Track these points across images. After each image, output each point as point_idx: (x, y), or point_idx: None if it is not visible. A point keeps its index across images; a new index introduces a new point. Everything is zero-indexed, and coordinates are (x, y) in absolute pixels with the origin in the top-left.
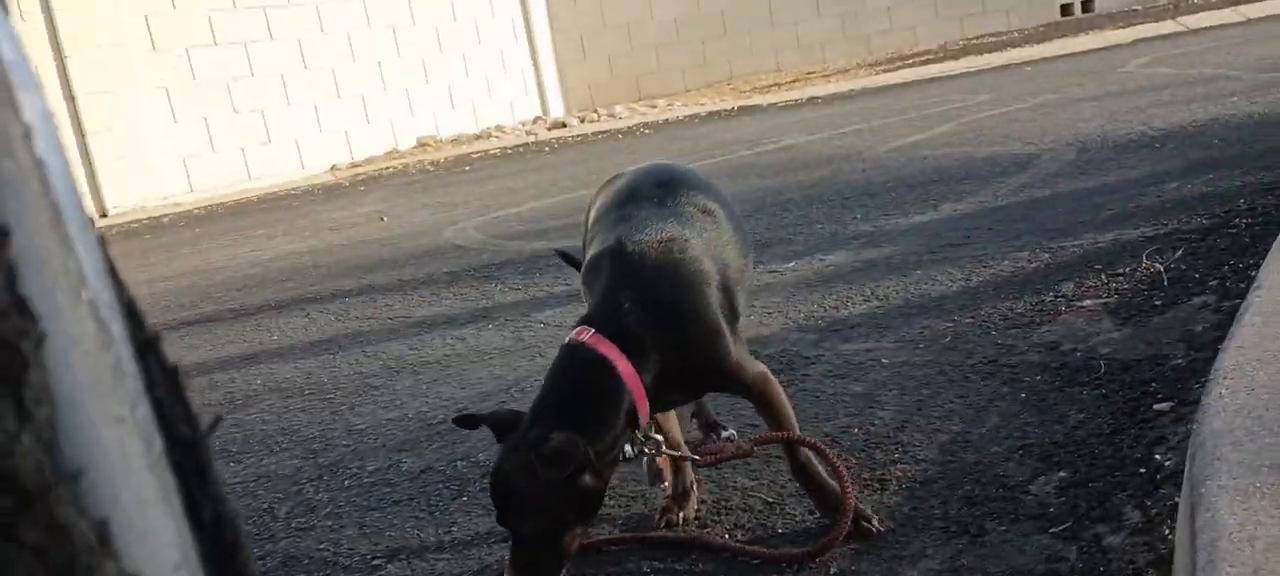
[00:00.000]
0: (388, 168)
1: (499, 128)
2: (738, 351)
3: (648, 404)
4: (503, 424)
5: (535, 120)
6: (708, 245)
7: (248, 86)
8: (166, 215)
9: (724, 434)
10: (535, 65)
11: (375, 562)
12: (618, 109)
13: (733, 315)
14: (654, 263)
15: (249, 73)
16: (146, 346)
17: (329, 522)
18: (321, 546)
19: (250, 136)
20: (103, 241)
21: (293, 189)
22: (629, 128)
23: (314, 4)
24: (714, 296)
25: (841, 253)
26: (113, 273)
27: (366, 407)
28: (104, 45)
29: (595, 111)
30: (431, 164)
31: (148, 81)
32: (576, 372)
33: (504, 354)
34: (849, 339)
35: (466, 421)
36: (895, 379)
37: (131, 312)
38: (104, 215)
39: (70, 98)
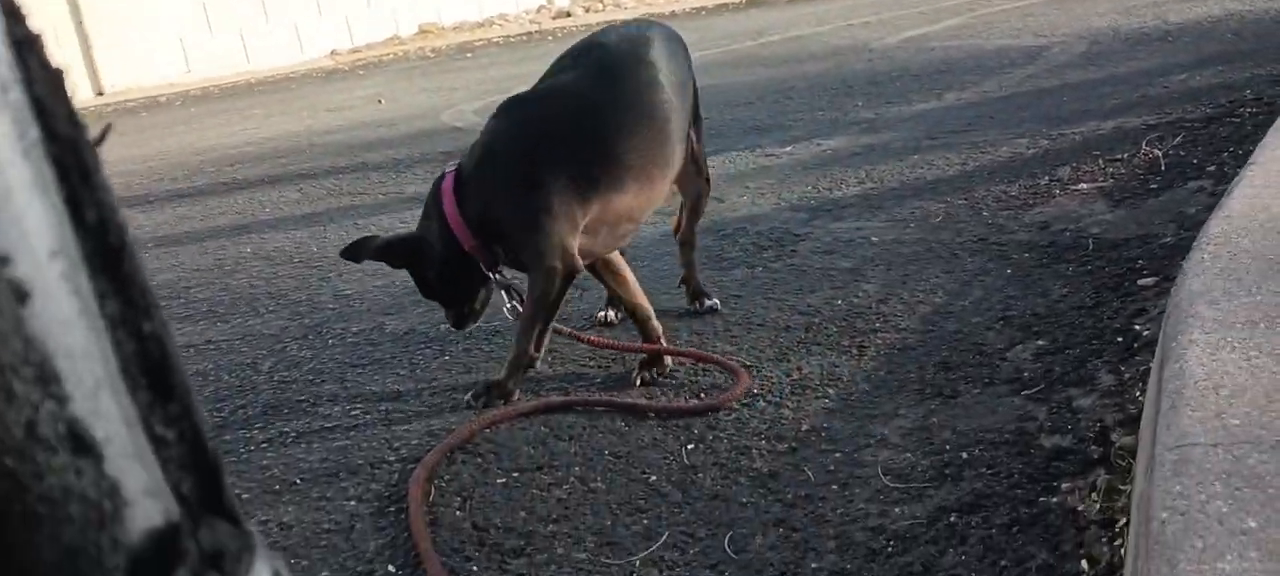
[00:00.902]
0: (388, 54)
1: (502, 16)
2: (549, 228)
3: (474, 239)
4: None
5: (539, 9)
6: (562, 115)
7: None
8: (163, 95)
9: (707, 303)
10: None
11: (353, 412)
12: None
13: (577, 191)
14: (501, 121)
15: None
16: (26, 43)
17: (310, 376)
18: (302, 398)
19: (249, 18)
20: None
21: (291, 73)
22: (633, 18)
23: None
24: (546, 165)
25: (840, 138)
26: None
27: (354, 275)
28: None
29: (601, 1)
30: (432, 50)
31: None
32: (430, 193)
33: None
34: (840, 218)
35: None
36: (882, 255)
37: (12, 10)
38: (100, 93)
39: None
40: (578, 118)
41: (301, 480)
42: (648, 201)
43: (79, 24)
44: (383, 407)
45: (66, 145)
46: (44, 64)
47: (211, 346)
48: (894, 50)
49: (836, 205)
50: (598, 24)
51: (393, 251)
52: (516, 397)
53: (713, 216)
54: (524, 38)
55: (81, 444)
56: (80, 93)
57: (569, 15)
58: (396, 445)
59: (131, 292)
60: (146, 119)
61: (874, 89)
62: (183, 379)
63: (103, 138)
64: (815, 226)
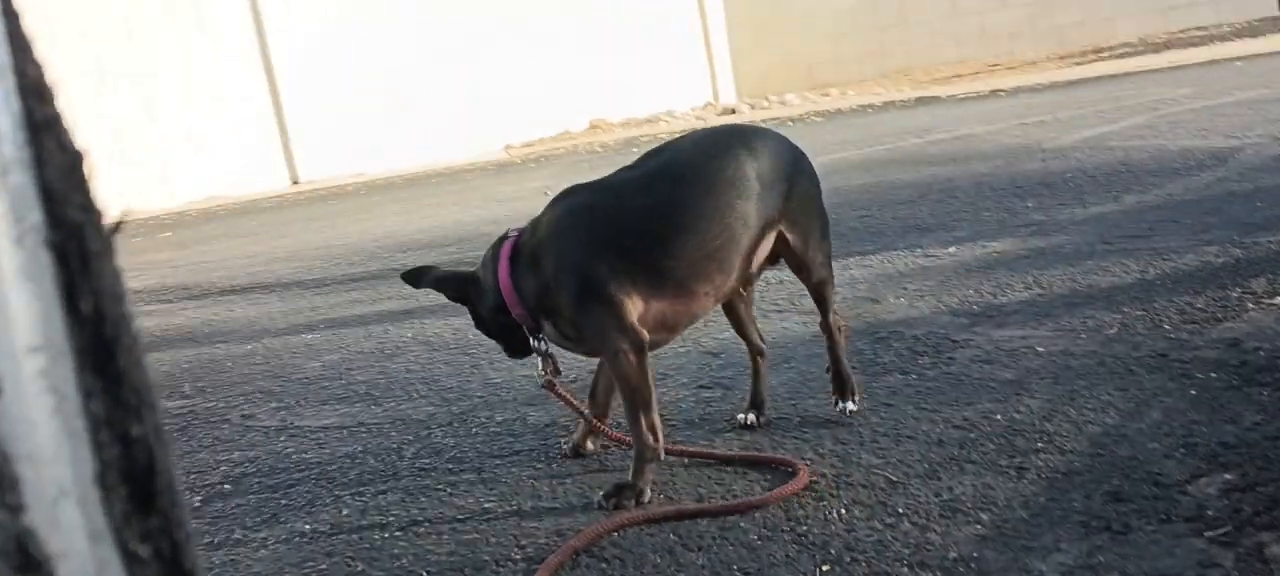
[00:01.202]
0: (559, 148)
1: (669, 112)
2: (603, 311)
3: (521, 309)
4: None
5: (705, 105)
6: (609, 209)
7: (434, 64)
8: (351, 184)
9: (841, 405)
10: (708, 52)
11: (486, 504)
12: (789, 97)
13: (626, 281)
14: (556, 205)
15: (435, 51)
16: (45, 124)
17: (450, 465)
18: (439, 486)
19: (434, 114)
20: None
21: (468, 166)
22: (799, 115)
23: None
24: (594, 253)
25: (1007, 240)
26: (19, 42)
27: (504, 363)
28: (308, 21)
29: (766, 99)
30: (600, 145)
31: (345, 57)
32: (491, 248)
33: None
34: (1003, 325)
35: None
36: (1048, 368)
37: (37, 89)
38: (295, 183)
39: (269, 70)
40: (623, 215)
41: (428, 572)
42: (685, 311)
43: (279, 116)
44: (516, 501)
45: (71, 231)
46: (62, 145)
47: (363, 429)
48: (1069, 150)
49: (1000, 311)
50: (761, 121)
51: (449, 284)
52: (648, 498)
53: (867, 318)
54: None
55: (29, 560)
56: (278, 182)
57: (733, 111)
58: (524, 542)
59: (122, 392)
60: (334, 205)
61: (1046, 190)
62: (170, 489)
63: (117, 228)
64: (976, 333)
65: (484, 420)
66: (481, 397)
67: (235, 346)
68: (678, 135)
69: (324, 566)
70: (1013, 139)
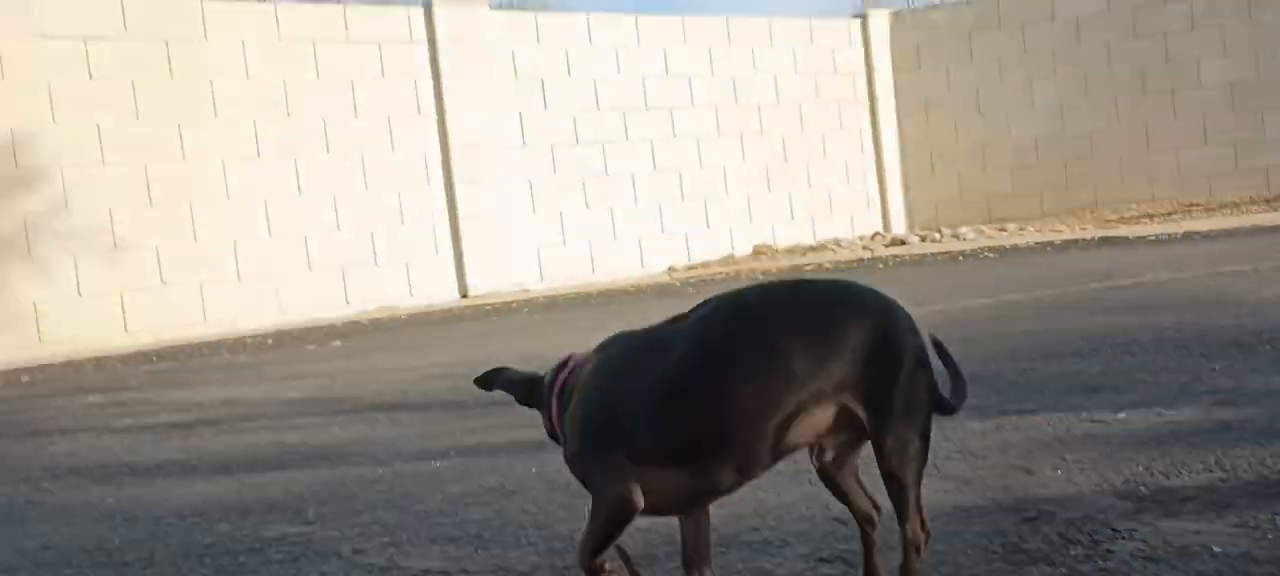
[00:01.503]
0: (721, 272)
1: (836, 241)
2: (601, 465)
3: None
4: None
5: (873, 236)
6: (630, 368)
7: (601, 184)
8: (516, 300)
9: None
10: (880, 180)
11: None
12: (963, 230)
13: (638, 451)
14: (597, 351)
15: (604, 171)
16: None
17: None
18: None
19: (598, 232)
20: None
21: (630, 286)
22: (973, 250)
23: (668, 108)
24: (592, 413)
25: (1187, 408)
26: None
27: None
28: (482, 143)
29: (938, 231)
30: (763, 272)
31: (515, 175)
32: (556, 365)
33: (774, 477)
34: (1175, 514)
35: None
36: (1226, 572)
37: None
38: (465, 295)
39: (449, 187)
40: (640, 375)
41: None
42: (701, 489)
43: (455, 230)
44: None
45: None
46: None
47: (464, 574)
48: (1268, 306)
49: (1172, 497)
50: (933, 255)
51: (518, 389)
52: None
53: (1016, 492)
54: (855, 263)
55: None
56: (448, 294)
57: (903, 243)
58: None
59: None
60: (497, 322)
61: (1237, 352)
62: None
63: None
64: (1141, 522)
65: None
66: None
67: (366, 469)
68: (768, 281)
69: None
70: (1203, 289)
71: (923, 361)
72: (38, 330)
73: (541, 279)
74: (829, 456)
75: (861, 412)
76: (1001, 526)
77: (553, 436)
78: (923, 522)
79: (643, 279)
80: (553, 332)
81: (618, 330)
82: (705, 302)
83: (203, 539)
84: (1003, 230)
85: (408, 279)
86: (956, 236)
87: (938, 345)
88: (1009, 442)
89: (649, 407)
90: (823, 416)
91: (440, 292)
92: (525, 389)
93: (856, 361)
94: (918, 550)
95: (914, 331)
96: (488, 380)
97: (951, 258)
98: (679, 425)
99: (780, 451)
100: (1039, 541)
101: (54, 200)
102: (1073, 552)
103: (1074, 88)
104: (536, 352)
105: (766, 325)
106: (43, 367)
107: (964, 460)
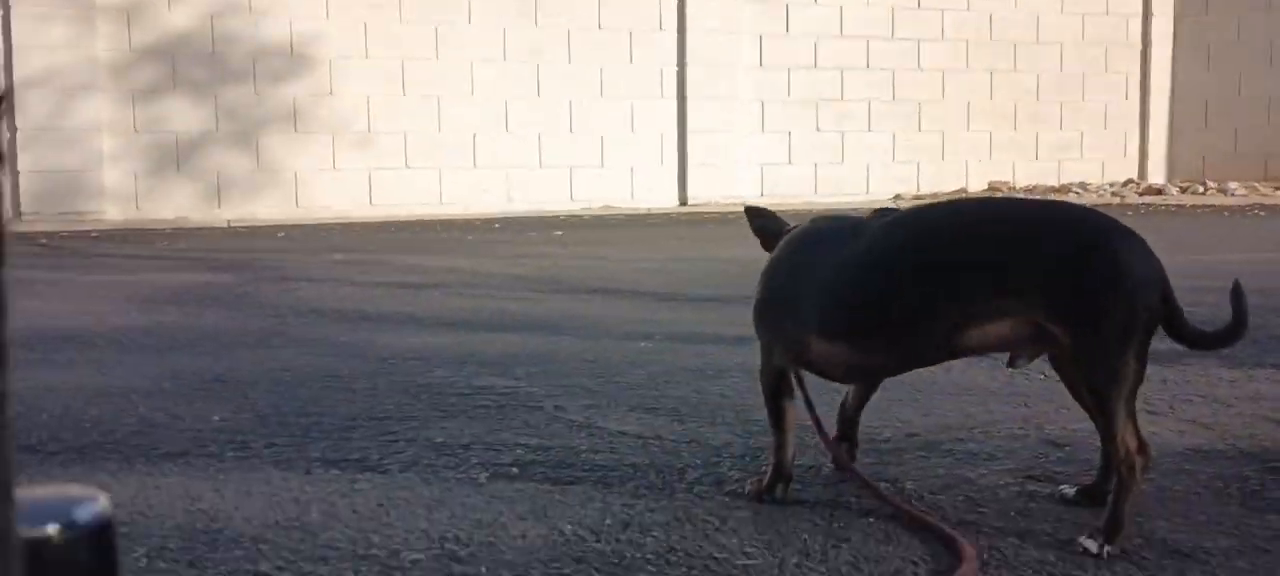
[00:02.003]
0: None
1: (1082, 184)
2: (760, 326)
3: None
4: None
5: (1126, 182)
6: (815, 252)
7: (834, 109)
8: (733, 212)
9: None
10: (1142, 126)
11: (748, 548)
12: (1232, 185)
13: (778, 329)
14: (805, 226)
15: (839, 96)
16: None
17: (726, 498)
18: (709, 519)
19: (826, 154)
20: None
21: (852, 209)
22: (1240, 206)
23: (915, 39)
24: (773, 279)
25: None
26: None
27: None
28: (719, 61)
29: (1202, 184)
30: None
31: (748, 93)
32: None
33: (984, 394)
34: None
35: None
36: None
37: None
38: (684, 203)
39: (681, 99)
40: (821, 255)
41: None
42: (861, 366)
43: (682, 142)
44: (781, 554)
45: None
46: None
47: (657, 442)
48: None
49: None
50: (1192, 208)
51: (767, 235)
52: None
53: (1264, 442)
54: (1101, 208)
55: None
56: (667, 200)
57: (1160, 192)
58: None
59: None
60: (712, 229)
61: None
62: None
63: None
64: None
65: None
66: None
67: (575, 341)
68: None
69: (568, 571)
70: None
71: (1139, 283)
72: (296, 195)
73: (762, 195)
74: (1021, 363)
75: (1056, 330)
76: (1242, 472)
77: None
78: (1139, 445)
79: (867, 203)
80: None
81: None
82: (918, 207)
83: (420, 379)
84: (1278, 189)
85: (631, 183)
86: (1223, 191)
87: (1236, 288)
88: (1261, 393)
89: (819, 287)
90: (997, 330)
91: (661, 198)
92: (772, 237)
93: (1048, 281)
94: (1130, 471)
95: (1136, 254)
96: (756, 212)
97: (1215, 211)
98: (840, 309)
99: (951, 352)
100: None
101: (320, 86)
102: None
103: None
104: (748, 258)
105: (944, 237)
106: (298, 226)
107: (1206, 404)
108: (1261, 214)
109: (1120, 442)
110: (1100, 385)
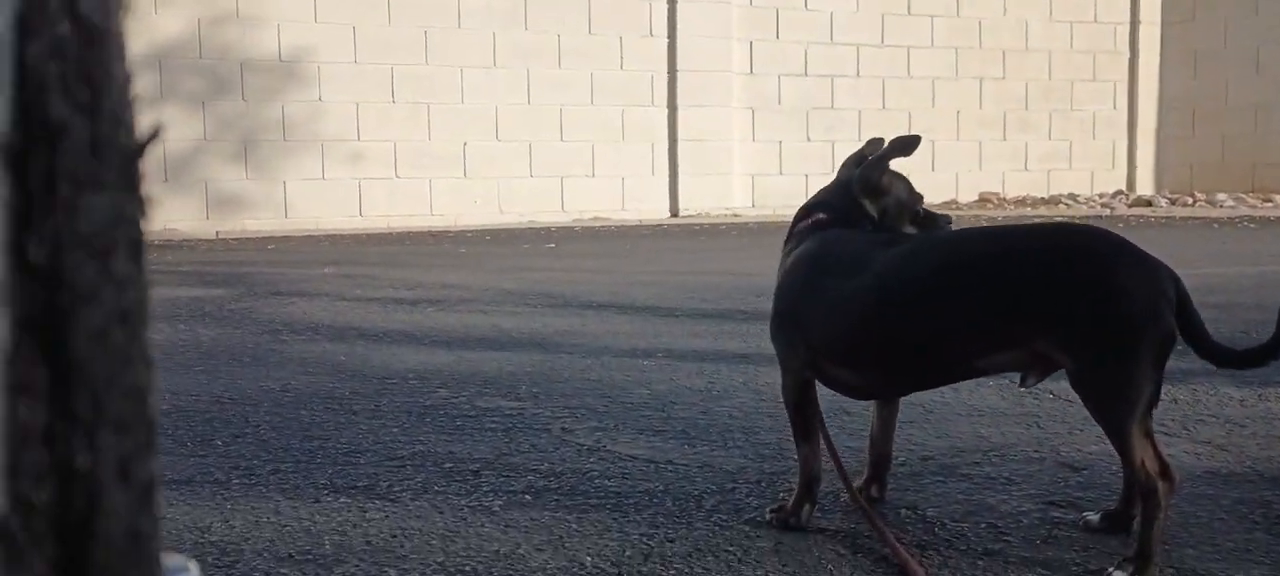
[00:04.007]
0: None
1: (1072, 196)
2: (775, 341)
3: None
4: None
5: (1115, 193)
6: (826, 277)
7: (825, 117)
8: (725, 223)
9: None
10: (1130, 136)
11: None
12: (1220, 196)
13: (792, 346)
14: (822, 234)
15: (829, 105)
16: None
17: (747, 527)
18: (730, 548)
19: (817, 164)
20: None
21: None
22: (1229, 218)
23: (906, 47)
24: (786, 298)
25: None
26: None
27: (833, 426)
28: (709, 68)
29: (1191, 195)
30: (988, 220)
31: (738, 102)
32: None
33: (996, 416)
34: None
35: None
36: None
37: None
38: (676, 214)
39: (672, 107)
40: (831, 280)
41: None
42: (868, 389)
43: (672, 150)
44: None
45: (43, 137)
46: (74, 15)
47: (670, 467)
48: None
49: None
50: (1181, 220)
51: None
52: (803, 520)
53: None
54: (1090, 220)
55: None
56: (659, 211)
57: (1149, 204)
58: None
59: (73, 397)
60: (704, 241)
61: None
62: (134, 557)
63: (141, 151)
64: None
65: (792, 483)
66: (797, 461)
67: (576, 359)
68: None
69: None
70: None
71: (1141, 305)
72: (285, 207)
73: (753, 205)
74: (1030, 383)
75: (1060, 357)
76: (1264, 496)
77: None
78: (1162, 469)
79: None
80: (759, 255)
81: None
82: (927, 235)
83: (424, 400)
84: (1269, 200)
85: (622, 192)
86: (1211, 202)
87: None
88: (1273, 413)
89: (827, 314)
90: (1003, 359)
91: (652, 209)
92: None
93: (1049, 309)
94: (1153, 496)
95: (1137, 275)
96: (893, 149)
97: (1204, 224)
98: (843, 337)
99: (957, 377)
100: None
101: (309, 93)
102: None
103: None
104: (742, 270)
105: (952, 269)
106: (288, 238)
107: (1219, 425)
108: (1252, 226)
109: (1140, 468)
110: (1106, 411)
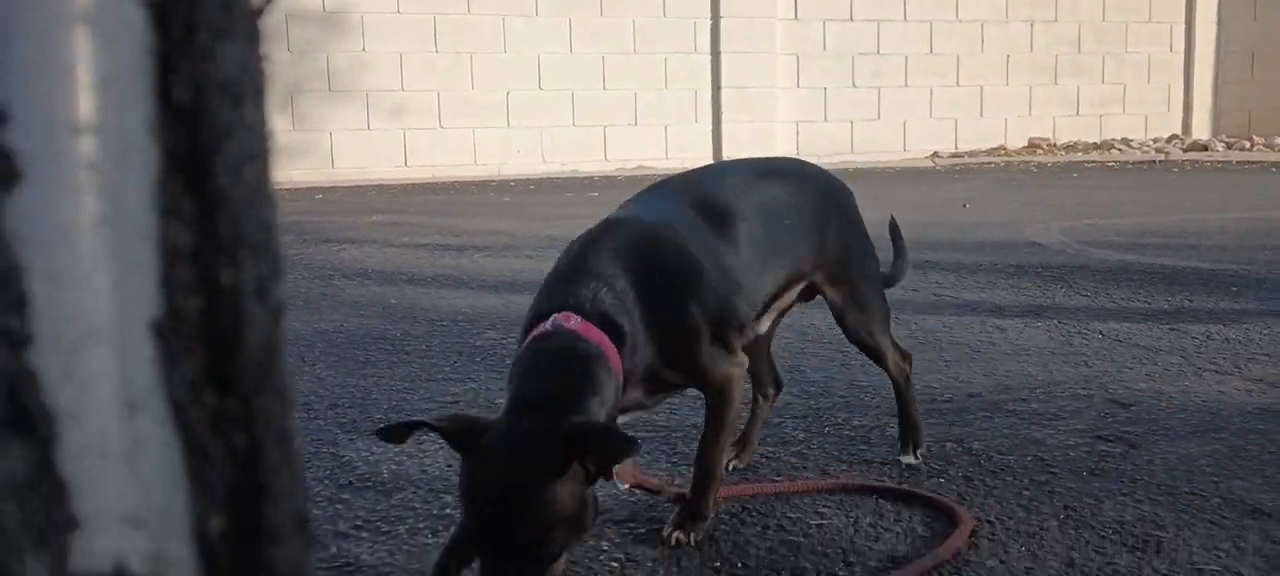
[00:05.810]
0: (990, 162)
1: (1124, 140)
2: (711, 351)
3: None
4: (460, 431)
5: (1170, 138)
6: (715, 243)
7: (870, 63)
8: None
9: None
10: (1187, 78)
11: (822, 508)
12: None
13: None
14: (641, 248)
15: (876, 50)
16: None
17: (794, 459)
18: (779, 478)
19: (862, 111)
20: None
21: (888, 167)
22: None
23: None
24: (703, 294)
25: None
26: None
27: (876, 370)
28: (752, 14)
29: (1249, 139)
30: (1037, 166)
31: (783, 47)
32: (574, 363)
33: (1043, 354)
34: None
35: (395, 433)
36: None
37: None
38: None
39: (715, 54)
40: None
41: (743, 565)
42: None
43: (716, 96)
44: (854, 515)
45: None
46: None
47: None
48: None
49: None
50: (1239, 164)
51: None
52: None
53: None
54: (1145, 165)
55: (21, 413)
56: (704, 158)
57: (1206, 148)
58: (851, 561)
59: (218, 220)
60: None
61: None
62: (263, 365)
63: (261, 10)
64: None
65: (840, 421)
66: (843, 397)
67: None
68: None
69: (642, 531)
70: None
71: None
72: (331, 157)
73: (798, 153)
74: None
75: (828, 289)
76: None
77: None
78: (902, 353)
79: (903, 161)
80: None
81: (891, 207)
82: (701, 175)
83: (473, 341)
84: None
85: (665, 141)
86: (1270, 146)
87: (893, 225)
88: None
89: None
90: (791, 296)
91: (695, 157)
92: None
93: (819, 241)
94: (907, 379)
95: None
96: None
97: (1262, 168)
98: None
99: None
100: None
101: (352, 44)
102: None
103: None
104: None
105: (743, 207)
106: (334, 188)
107: (1271, 363)
108: None
109: (892, 357)
110: (868, 341)
